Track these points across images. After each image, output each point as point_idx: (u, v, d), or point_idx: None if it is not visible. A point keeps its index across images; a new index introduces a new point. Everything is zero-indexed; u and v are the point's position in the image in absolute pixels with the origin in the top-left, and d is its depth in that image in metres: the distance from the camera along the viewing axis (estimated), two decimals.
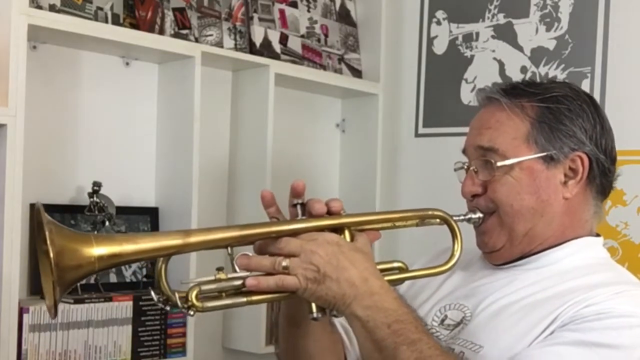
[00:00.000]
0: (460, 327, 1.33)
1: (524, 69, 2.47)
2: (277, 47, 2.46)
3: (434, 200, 2.59)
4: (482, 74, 2.56)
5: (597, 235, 1.43)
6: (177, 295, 1.18)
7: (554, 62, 2.41)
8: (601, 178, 1.38)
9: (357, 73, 2.71)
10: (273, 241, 1.21)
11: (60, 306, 1.91)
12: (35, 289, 1.99)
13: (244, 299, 1.21)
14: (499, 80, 2.50)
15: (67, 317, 1.92)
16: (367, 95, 2.69)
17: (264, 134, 2.34)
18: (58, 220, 2.02)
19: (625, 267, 1.41)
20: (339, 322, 1.48)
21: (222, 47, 2.31)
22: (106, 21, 2.08)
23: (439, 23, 2.69)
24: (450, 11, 2.66)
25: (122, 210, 2.15)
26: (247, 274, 1.20)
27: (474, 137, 1.40)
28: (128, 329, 2.04)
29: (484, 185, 1.37)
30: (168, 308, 1.20)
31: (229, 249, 1.21)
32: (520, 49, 2.48)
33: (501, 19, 2.53)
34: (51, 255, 1.06)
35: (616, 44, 2.29)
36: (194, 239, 1.19)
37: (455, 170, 1.45)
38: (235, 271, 1.20)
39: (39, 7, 1.92)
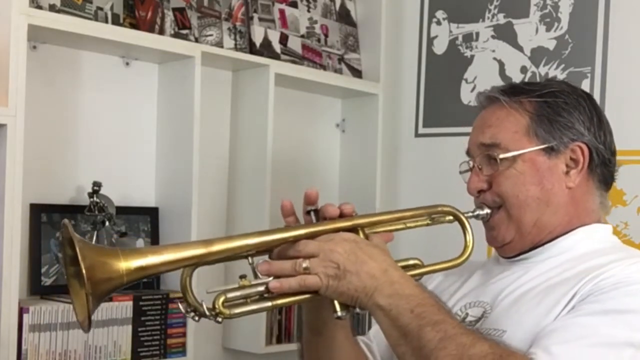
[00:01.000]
0: (481, 321, 1.36)
1: (524, 69, 2.47)
2: (277, 47, 2.46)
3: (434, 200, 2.59)
4: (482, 74, 2.56)
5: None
6: (204, 304, 1.21)
7: (554, 62, 2.41)
8: (602, 168, 1.41)
9: (357, 73, 2.71)
10: (291, 245, 1.25)
11: (61, 306, 1.91)
12: (35, 289, 1.99)
13: (269, 304, 1.23)
14: (499, 81, 2.50)
15: (67, 317, 1.92)
16: (367, 95, 2.69)
17: (264, 134, 2.35)
18: (58, 220, 2.04)
19: None
20: (361, 339, 1.51)
21: (222, 47, 2.31)
22: (106, 21, 2.08)
23: (439, 23, 2.69)
24: (450, 11, 2.66)
25: (122, 210, 2.15)
26: (270, 279, 1.23)
27: (476, 136, 1.44)
28: (128, 329, 2.04)
29: (489, 180, 1.40)
30: (197, 319, 1.23)
31: (249, 258, 1.25)
32: (520, 49, 2.48)
33: (501, 19, 2.53)
34: (84, 270, 1.10)
35: (616, 44, 2.29)
36: (216, 247, 1.22)
37: (460, 172, 1.48)
38: (257, 278, 1.23)
39: (39, 7, 1.92)
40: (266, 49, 2.42)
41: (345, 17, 2.73)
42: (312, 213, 1.30)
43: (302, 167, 2.67)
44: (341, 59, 2.68)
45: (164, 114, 2.26)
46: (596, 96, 2.27)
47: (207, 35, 2.29)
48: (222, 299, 1.20)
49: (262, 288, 1.23)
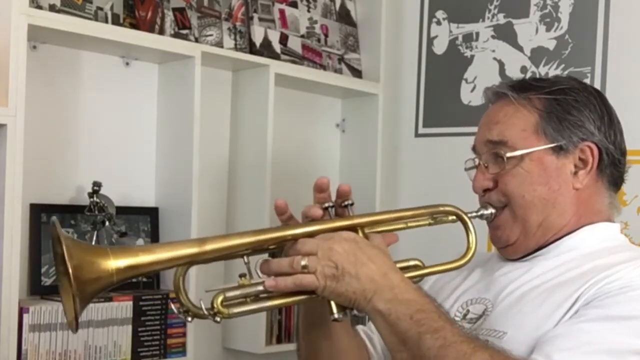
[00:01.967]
0: (482, 319, 1.34)
1: (524, 69, 2.47)
2: (277, 47, 2.46)
3: (434, 201, 2.59)
4: (482, 74, 2.56)
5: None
6: (202, 303, 1.19)
7: (554, 62, 2.41)
8: (612, 168, 1.38)
9: (357, 73, 2.71)
10: (292, 244, 1.22)
11: (61, 306, 1.90)
12: (35, 289, 1.99)
13: (268, 303, 1.21)
14: (499, 81, 2.49)
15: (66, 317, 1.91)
16: (367, 95, 2.69)
17: (264, 134, 2.35)
18: (58, 220, 2.03)
19: None
20: (362, 329, 1.48)
21: (222, 47, 2.31)
22: (106, 21, 2.08)
23: (439, 23, 2.69)
24: (450, 11, 2.66)
25: (122, 210, 2.15)
26: (268, 278, 1.20)
27: (483, 133, 1.40)
28: (128, 329, 2.04)
29: (494, 179, 1.37)
30: (190, 319, 1.21)
31: (245, 257, 1.22)
32: (520, 49, 2.48)
33: (501, 19, 2.53)
34: (70, 269, 1.07)
35: (616, 44, 2.29)
36: (209, 246, 1.18)
37: (466, 169, 1.45)
38: (257, 278, 1.21)
39: (39, 7, 1.92)
40: (266, 49, 2.42)
41: (345, 17, 2.72)
42: (329, 210, 1.26)
43: (302, 167, 2.67)
44: (341, 59, 2.68)
45: (164, 114, 2.26)
46: None
47: (207, 35, 2.29)
48: (220, 298, 1.18)
49: (261, 287, 1.20)
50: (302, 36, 2.57)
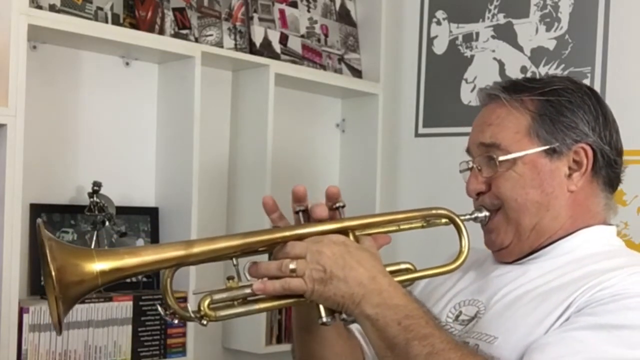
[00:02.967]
0: (474, 321, 1.33)
1: (524, 69, 2.47)
2: (277, 47, 2.46)
3: (434, 201, 2.59)
4: (482, 74, 2.56)
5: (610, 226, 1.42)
6: (189, 306, 1.18)
7: (554, 62, 2.41)
8: (607, 169, 1.36)
9: (357, 73, 2.71)
10: (281, 247, 1.21)
11: None
12: (35, 289, 1.99)
13: (256, 306, 1.20)
14: (499, 81, 2.49)
15: (67, 317, 1.90)
16: (367, 95, 2.69)
17: (264, 134, 2.35)
18: (58, 220, 2.04)
19: None
20: (357, 327, 1.47)
21: (222, 47, 2.31)
22: (106, 21, 2.08)
23: (439, 23, 2.69)
24: (450, 11, 2.66)
25: (122, 210, 2.15)
26: (258, 281, 1.19)
27: (476, 135, 1.40)
28: (128, 329, 2.04)
29: (488, 182, 1.36)
30: (176, 322, 1.19)
31: (234, 259, 1.21)
32: (520, 49, 2.48)
33: (501, 19, 2.53)
34: (53, 272, 1.06)
35: (616, 44, 2.29)
36: (197, 249, 1.17)
37: (460, 172, 1.44)
38: (245, 280, 1.20)
39: (39, 7, 1.92)
40: (266, 49, 2.42)
41: (345, 17, 2.72)
42: (300, 214, 1.25)
43: (302, 167, 2.67)
44: (341, 59, 2.68)
45: (164, 114, 2.26)
46: None
47: (207, 35, 2.29)
48: (207, 301, 1.17)
49: (248, 290, 1.19)
50: (302, 36, 2.57)
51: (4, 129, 1.78)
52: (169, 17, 2.20)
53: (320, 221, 1.24)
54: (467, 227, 1.34)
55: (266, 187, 2.33)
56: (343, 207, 1.26)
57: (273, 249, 1.23)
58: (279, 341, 2.42)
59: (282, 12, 2.52)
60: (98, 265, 1.11)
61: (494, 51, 2.54)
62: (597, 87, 2.30)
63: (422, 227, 1.34)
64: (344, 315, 1.20)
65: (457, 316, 1.37)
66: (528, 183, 1.33)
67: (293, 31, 2.54)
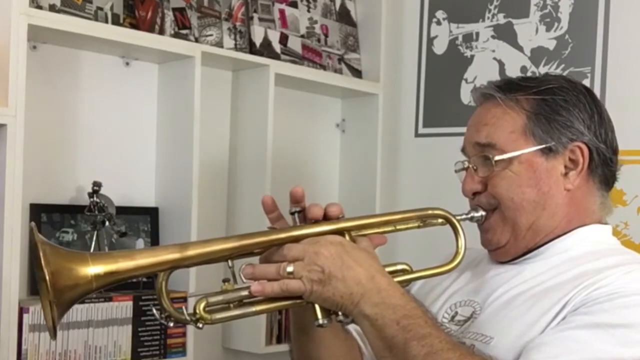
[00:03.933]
0: (470, 322, 1.33)
1: (524, 69, 2.47)
2: (277, 47, 2.46)
3: (434, 200, 2.58)
4: (482, 74, 2.56)
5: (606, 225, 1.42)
6: (184, 309, 1.17)
7: (554, 62, 2.41)
8: (603, 168, 1.37)
9: (357, 73, 2.71)
10: (277, 249, 1.20)
11: None
12: (35, 289, 1.99)
13: (252, 309, 1.20)
14: (494, 80, 2.49)
15: (67, 317, 1.91)
16: (367, 95, 2.69)
17: (264, 134, 2.34)
18: (58, 220, 2.04)
19: None
20: (354, 328, 1.46)
21: (222, 47, 2.31)
22: (106, 21, 2.08)
23: (439, 23, 2.69)
24: (450, 11, 2.66)
25: (122, 210, 2.15)
26: (254, 283, 1.19)
27: (471, 135, 1.40)
28: (128, 329, 2.04)
29: (484, 182, 1.36)
30: (171, 325, 1.19)
31: (229, 262, 1.20)
32: (520, 49, 2.48)
33: (501, 19, 2.53)
34: (47, 276, 1.05)
35: (616, 44, 2.29)
36: (191, 252, 1.17)
37: (456, 171, 1.44)
38: (241, 283, 1.19)
39: (39, 7, 1.92)
40: (266, 49, 2.42)
41: (345, 17, 2.73)
42: (296, 215, 1.25)
43: (302, 167, 2.67)
44: (341, 59, 2.68)
45: (164, 114, 2.26)
46: None
47: (207, 35, 2.29)
48: (203, 303, 1.16)
49: (245, 292, 1.19)
50: (302, 36, 2.57)
51: (4, 129, 1.78)
52: (169, 17, 2.20)
53: (316, 222, 1.23)
54: (464, 227, 1.34)
55: (266, 187, 2.33)
56: (301, 211, 1.25)
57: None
58: (279, 341, 2.42)
59: (282, 12, 2.52)
60: (92, 269, 1.10)
61: (494, 51, 2.54)
62: (597, 87, 2.30)
63: (419, 227, 1.34)
64: (340, 317, 1.19)
65: (453, 317, 1.37)
66: (524, 182, 1.33)
67: (293, 31, 2.54)
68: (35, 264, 1.12)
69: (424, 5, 2.72)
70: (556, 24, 2.41)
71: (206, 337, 2.37)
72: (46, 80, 2.05)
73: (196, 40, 2.24)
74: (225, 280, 1.20)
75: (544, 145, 1.33)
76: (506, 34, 2.51)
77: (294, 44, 2.53)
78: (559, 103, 1.34)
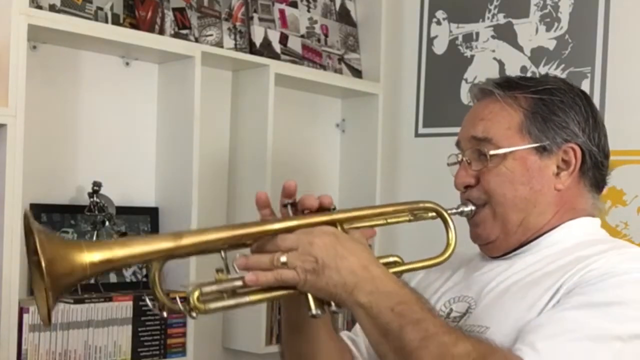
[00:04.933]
0: (466, 317, 1.34)
1: (524, 69, 2.47)
2: (277, 47, 2.46)
3: (433, 200, 2.58)
4: (482, 74, 2.56)
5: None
6: (177, 298, 1.17)
7: (554, 62, 2.41)
8: (594, 171, 1.39)
9: (357, 73, 2.71)
10: (270, 240, 1.21)
11: (60, 306, 1.91)
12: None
13: (247, 299, 1.19)
14: (492, 77, 2.50)
15: (67, 317, 1.92)
16: (367, 95, 2.69)
17: (264, 134, 2.35)
18: (58, 220, 2.04)
19: None
20: (346, 334, 1.48)
21: (222, 47, 2.31)
22: (106, 21, 2.08)
23: (439, 23, 2.69)
24: (450, 11, 2.66)
25: (122, 210, 2.15)
26: (248, 273, 1.19)
27: (467, 129, 1.41)
28: (128, 329, 2.04)
29: (477, 176, 1.38)
30: (165, 314, 1.19)
31: (222, 252, 1.20)
32: (520, 49, 2.48)
33: (501, 19, 2.53)
34: (43, 262, 1.05)
35: (616, 44, 2.29)
36: (186, 240, 1.17)
37: (448, 165, 1.46)
38: (234, 273, 1.19)
39: (39, 7, 1.92)
40: (266, 49, 2.42)
41: (345, 17, 2.73)
42: (289, 207, 1.26)
43: (302, 167, 2.67)
44: (341, 59, 2.68)
45: (164, 114, 2.26)
46: (596, 96, 2.27)
47: (207, 35, 2.29)
48: (196, 293, 1.16)
49: (239, 283, 1.18)
50: (302, 36, 2.57)
51: (4, 129, 1.78)
52: (169, 17, 2.20)
53: (309, 214, 1.24)
54: (456, 223, 1.35)
55: (266, 187, 2.33)
56: (294, 204, 1.26)
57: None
58: (279, 341, 2.41)
59: (282, 12, 2.52)
60: (87, 256, 1.10)
61: (494, 51, 2.54)
62: (597, 87, 2.30)
63: (409, 220, 1.35)
64: (333, 307, 1.20)
65: (449, 313, 1.38)
66: (517, 179, 1.34)
67: (293, 31, 2.54)
68: (28, 251, 1.13)
69: (424, 5, 2.72)
70: (556, 24, 2.41)
71: (206, 337, 2.37)
72: (46, 80, 2.05)
73: (196, 40, 2.24)
74: (218, 270, 1.19)
75: (539, 144, 1.35)
76: (506, 34, 2.51)
77: (294, 44, 2.53)
78: (556, 104, 1.36)
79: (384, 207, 1.33)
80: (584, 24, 2.35)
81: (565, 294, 1.21)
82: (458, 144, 1.44)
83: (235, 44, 2.36)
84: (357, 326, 1.49)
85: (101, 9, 2.08)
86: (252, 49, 2.39)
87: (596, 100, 2.23)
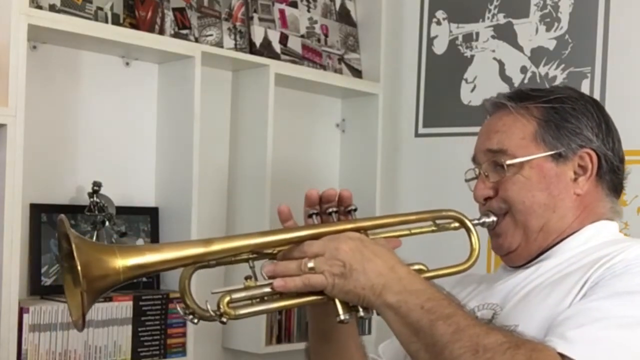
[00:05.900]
0: (492, 322, 1.34)
1: (524, 69, 2.47)
2: (277, 47, 2.46)
3: (434, 200, 2.59)
4: (482, 74, 2.56)
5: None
6: (208, 305, 1.19)
7: (554, 62, 2.41)
8: (611, 175, 1.40)
9: (357, 73, 2.71)
10: (296, 246, 1.23)
11: (61, 306, 1.91)
12: (35, 289, 1.99)
13: (275, 305, 1.22)
14: (499, 81, 2.50)
15: (67, 317, 1.91)
16: (367, 95, 2.69)
17: (264, 134, 2.35)
18: (62, 215, 2.03)
19: None
20: (370, 356, 1.49)
21: (222, 47, 2.31)
22: (106, 21, 2.08)
23: (439, 23, 2.69)
24: (450, 11, 2.66)
25: (122, 210, 2.15)
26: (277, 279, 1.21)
27: (482, 142, 1.43)
28: (128, 329, 2.04)
29: (495, 187, 1.39)
30: (196, 321, 1.21)
31: (250, 262, 1.23)
32: (520, 49, 2.48)
33: (501, 19, 2.53)
34: (79, 266, 1.08)
35: (616, 44, 2.29)
36: (216, 246, 1.19)
37: (466, 181, 1.47)
38: (262, 280, 1.21)
39: (39, 7, 1.92)
40: (266, 49, 2.42)
41: (345, 17, 2.72)
42: (314, 217, 1.28)
43: (302, 167, 2.67)
44: (341, 59, 2.68)
45: (164, 114, 2.26)
46: (596, 96, 2.26)
47: (207, 35, 2.29)
48: (227, 299, 1.18)
49: (267, 289, 1.20)
50: (302, 36, 2.57)
51: (4, 129, 1.78)
52: (169, 17, 2.20)
53: (334, 222, 1.27)
54: (461, 240, 1.35)
55: (266, 187, 2.33)
56: (355, 210, 1.29)
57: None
58: (279, 341, 2.42)
59: (282, 12, 2.52)
60: (121, 262, 1.13)
61: (494, 51, 2.54)
62: (597, 87, 2.30)
63: (433, 231, 1.37)
64: (361, 312, 1.21)
65: None
66: (535, 186, 1.36)
67: (293, 31, 2.54)
68: (61, 256, 1.16)
69: (424, 5, 2.72)
70: (556, 24, 2.41)
71: (206, 337, 2.37)
72: (46, 80, 2.05)
73: (196, 40, 2.24)
74: (247, 277, 1.22)
75: (554, 151, 1.37)
76: (506, 34, 2.51)
77: (294, 44, 2.53)
78: (567, 111, 1.38)
79: (407, 216, 1.34)
80: (584, 24, 2.35)
81: (591, 288, 1.23)
82: (474, 159, 1.45)
83: (235, 44, 2.36)
84: (380, 347, 1.53)
85: (101, 9, 2.08)
86: (252, 49, 2.39)
87: None
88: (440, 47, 2.68)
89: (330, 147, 2.78)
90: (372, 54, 2.72)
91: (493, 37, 2.54)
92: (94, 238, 2.06)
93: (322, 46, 2.62)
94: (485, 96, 1.50)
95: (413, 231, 1.35)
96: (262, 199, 2.33)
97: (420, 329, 1.15)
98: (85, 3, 2.04)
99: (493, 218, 1.39)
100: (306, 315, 1.46)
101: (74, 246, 1.09)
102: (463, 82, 2.61)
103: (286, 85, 2.52)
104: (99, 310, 1.98)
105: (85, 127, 2.14)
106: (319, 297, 1.22)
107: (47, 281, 2.01)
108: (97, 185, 2.05)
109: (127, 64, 2.22)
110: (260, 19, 2.43)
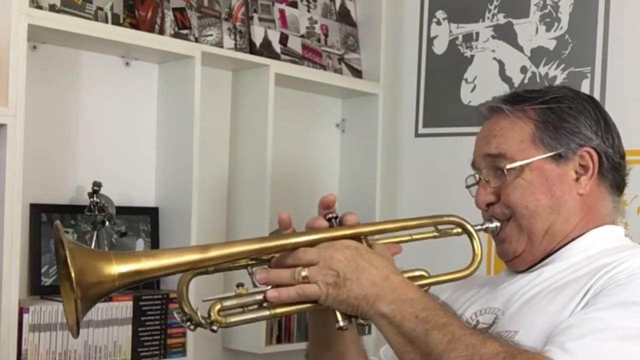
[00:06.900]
0: (493, 327, 1.33)
1: (524, 69, 2.47)
2: (277, 47, 2.46)
3: (434, 200, 2.59)
4: (482, 74, 2.56)
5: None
6: (199, 313, 1.18)
7: (554, 62, 2.41)
8: (613, 172, 1.39)
9: (357, 73, 2.71)
10: (290, 253, 1.21)
11: (61, 306, 1.91)
12: (35, 289, 1.99)
13: (267, 313, 1.20)
14: (499, 81, 2.50)
15: None
16: (367, 95, 2.69)
17: (264, 134, 2.35)
18: (58, 220, 2.03)
19: None
20: (373, 359, 1.48)
21: (222, 47, 2.31)
22: (106, 21, 2.08)
23: (439, 23, 2.69)
24: (450, 11, 2.66)
25: (122, 210, 2.15)
26: (269, 287, 1.19)
27: (481, 147, 1.41)
28: (128, 329, 2.04)
29: (496, 192, 1.37)
30: (192, 328, 1.20)
31: (249, 268, 1.22)
32: (520, 49, 2.48)
33: (501, 19, 2.53)
34: (72, 273, 1.07)
35: (616, 44, 2.29)
36: (212, 253, 1.18)
37: (467, 187, 1.45)
38: (255, 287, 1.20)
39: (39, 7, 1.92)
40: (266, 49, 2.42)
41: (345, 17, 2.72)
42: (333, 220, 1.26)
43: (302, 167, 2.67)
44: (341, 59, 2.68)
45: (164, 114, 2.26)
46: (596, 96, 2.26)
47: (207, 35, 2.29)
48: (217, 307, 1.17)
49: (260, 297, 1.19)
50: (302, 36, 2.57)
51: (4, 129, 1.78)
52: (169, 17, 2.20)
53: (333, 227, 1.25)
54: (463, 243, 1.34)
55: (266, 187, 2.33)
56: (336, 218, 1.26)
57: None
58: (278, 341, 2.42)
59: (282, 12, 2.52)
60: (116, 268, 1.12)
61: (494, 51, 2.54)
62: (597, 87, 2.30)
63: (434, 237, 1.35)
64: (360, 320, 1.20)
65: (475, 326, 1.37)
66: (537, 189, 1.34)
67: (293, 31, 2.54)
68: (58, 262, 1.15)
69: (424, 5, 2.72)
70: (556, 24, 2.41)
71: (206, 337, 2.37)
72: (46, 80, 2.05)
73: (196, 40, 2.24)
74: (239, 285, 1.20)
75: (553, 152, 1.35)
76: (506, 34, 2.51)
77: (294, 44, 2.53)
78: (565, 110, 1.37)
79: (408, 221, 1.32)
80: (584, 24, 2.35)
81: (593, 296, 1.21)
82: (473, 164, 1.43)
83: (235, 44, 2.36)
84: (382, 350, 1.51)
85: (101, 9, 2.08)
86: (252, 49, 2.39)
87: None
88: (440, 47, 2.68)
89: (330, 147, 2.78)
90: (372, 54, 2.72)
91: (493, 37, 2.54)
92: (94, 238, 2.06)
93: (322, 46, 2.62)
94: (486, 96, 1.49)
95: (414, 237, 1.33)
96: (262, 199, 2.33)
97: (414, 339, 1.14)
98: (85, 3, 2.04)
99: (496, 224, 1.37)
100: (306, 316, 1.45)
101: (67, 253, 1.08)
102: (463, 82, 2.61)
103: (286, 85, 2.52)
104: (99, 310, 1.98)
105: (85, 127, 2.14)
106: (313, 306, 1.21)
107: (47, 281, 2.01)
108: (97, 185, 2.05)
109: (127, 64, 2.22)
110: (260, 19, 2.43)
